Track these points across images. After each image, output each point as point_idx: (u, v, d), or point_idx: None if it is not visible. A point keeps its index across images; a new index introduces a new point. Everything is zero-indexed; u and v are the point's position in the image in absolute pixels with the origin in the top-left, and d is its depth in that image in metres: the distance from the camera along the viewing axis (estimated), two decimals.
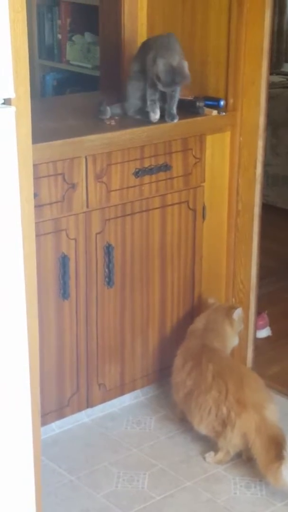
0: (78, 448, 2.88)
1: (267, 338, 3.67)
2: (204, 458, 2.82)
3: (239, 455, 2.79)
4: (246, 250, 3.21)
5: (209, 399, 2.75)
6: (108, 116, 2.83)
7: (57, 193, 2.63)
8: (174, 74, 2.72)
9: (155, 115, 2.80)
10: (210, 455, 2.82)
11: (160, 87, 2.75)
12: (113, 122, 2.80)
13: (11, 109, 1.90)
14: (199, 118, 2.94)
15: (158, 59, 2.72)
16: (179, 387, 2.87)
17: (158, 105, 2.81)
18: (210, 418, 2.75)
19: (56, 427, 2.94)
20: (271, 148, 5.15)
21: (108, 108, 2.84)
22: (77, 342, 2.82)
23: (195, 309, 3.15)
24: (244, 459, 2.78)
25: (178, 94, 2.85)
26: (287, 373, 3.38)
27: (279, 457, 2.54)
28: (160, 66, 2.71)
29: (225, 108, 3.02)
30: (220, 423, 2.74)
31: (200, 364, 2.82)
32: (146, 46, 2.85)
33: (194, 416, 2.80)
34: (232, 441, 2.73)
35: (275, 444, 2.58)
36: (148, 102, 2.81)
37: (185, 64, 2.74)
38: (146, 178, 2.85)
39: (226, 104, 3.02)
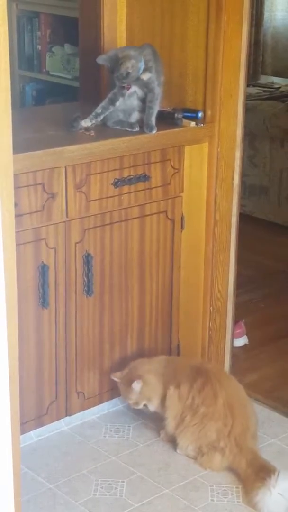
0: (57, 456, 2.89)
1: (244, 346, 3.70)
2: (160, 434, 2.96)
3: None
4: (224, 259, 3.24)
5: (213, 427, 2.78)
6: (78, 129, 2.85)
7: (37, 202, 2.65)
8: (114, 63, 2.76)
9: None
10: (163, 433, 2.94)
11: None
12: (92, 133, 2.83)
13: None
14: (177, 130, 2.98)
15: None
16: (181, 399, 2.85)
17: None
18: (203, 441, 2.80)
19: (35, 435, 2.95)
20: (249, 159, 5.20)
21: (81, 122, 2.85)
22: (56, 350, 2.84)
23: (173, 318, 3.17)
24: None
25: (157, 105, 2.89)
26: (264, 381, 3.41)
27: (263, 480, 2.59)
28: (110, 52, 2.78)
29: (203, 120, 3.05)
30: (210, 448, 2.79)
31: (210, 382, 2.83)
32: None
33: (189, 433, 2.83)
34: (215, 464, 2.79)
35: (263, 472, 2.64)
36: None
37: (138, 65, 2.77)
38: (125, 188, 2.88)
39: (204, 115, 3.05)
